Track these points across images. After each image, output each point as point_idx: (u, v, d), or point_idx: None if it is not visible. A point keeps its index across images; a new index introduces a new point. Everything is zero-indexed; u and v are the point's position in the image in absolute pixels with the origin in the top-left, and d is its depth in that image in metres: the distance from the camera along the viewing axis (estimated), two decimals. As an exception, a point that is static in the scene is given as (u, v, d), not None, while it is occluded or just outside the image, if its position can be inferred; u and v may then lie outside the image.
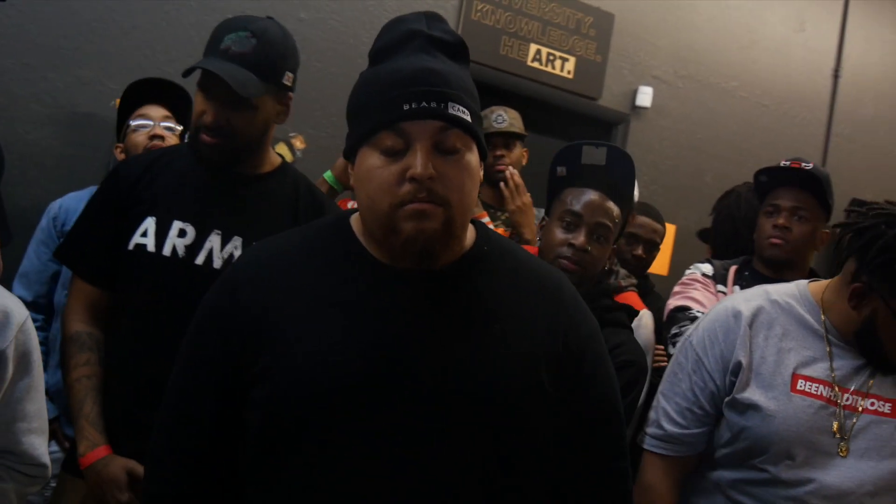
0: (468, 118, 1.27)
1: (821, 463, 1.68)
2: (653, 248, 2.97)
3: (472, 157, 1.30)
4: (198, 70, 1.87)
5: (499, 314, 1.35)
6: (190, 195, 1.96)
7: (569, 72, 3.87)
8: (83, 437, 1.87)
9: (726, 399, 1.77)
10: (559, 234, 1.95)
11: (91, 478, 1.88)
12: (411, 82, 1.26)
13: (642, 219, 2.94)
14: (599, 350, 1.39)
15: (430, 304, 1.32)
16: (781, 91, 4.96)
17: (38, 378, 1.70)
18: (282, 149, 3.10)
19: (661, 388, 1.87)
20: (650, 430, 1.85)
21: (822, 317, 1.78)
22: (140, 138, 2.41)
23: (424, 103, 1.25)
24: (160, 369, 1.69)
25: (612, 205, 1.98)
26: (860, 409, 1.71)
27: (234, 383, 1.32)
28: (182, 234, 1.93)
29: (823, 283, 1.83)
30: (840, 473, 1.67)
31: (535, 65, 3.79)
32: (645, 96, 4.23)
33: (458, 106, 1.27)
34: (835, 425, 1.69)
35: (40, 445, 1.70)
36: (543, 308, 1.38)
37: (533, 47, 3.75)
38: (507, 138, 2.89)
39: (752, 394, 1.74)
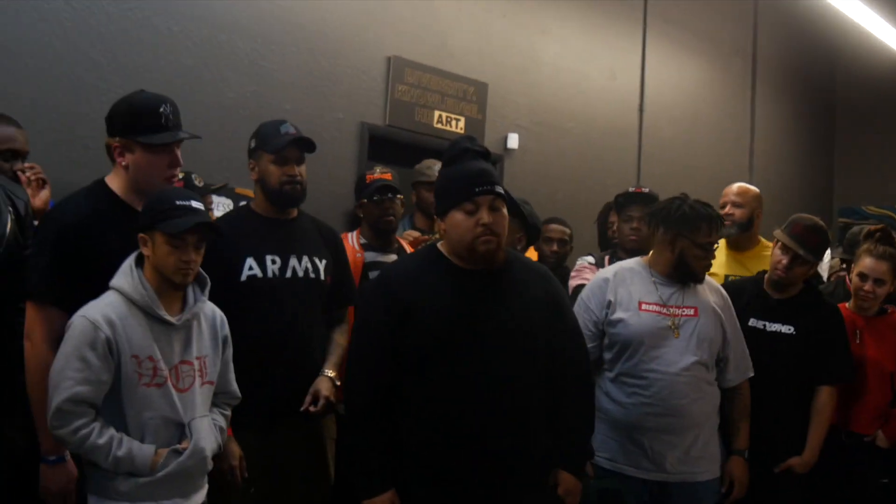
0: (503, 192, 2.28)
1: (662, 344, 2.79)
2: (564, 244, 4.28)
3: (505, 211, 2.29)
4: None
5: (524, 288, 2.33)
6: (269, 236, 2.80)
7: (461, 128, 5.06)
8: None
9: (604, 321, 2.86)
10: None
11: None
12: (478, 176, 2.24)
13: (553, 226, 4.23)
14: (567, 302, 2.54)
15: (493, 287, 2.29)
16: (603, 126, 6.16)
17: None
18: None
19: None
20: None
21: (650, 269, 2.94)
22: None
23: (486, 187, 2.23)
24: (285, 346, 2.73)
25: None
26: (680, 314, 2.86)
27: (395, 332, 2.24)
28: (274, 262, 2.76)
29: (647, 256, 3.00)
30: (674, 348, 2.81)
31: (439, 126, 4.95)
32: (513, 141, 5.39)
33: (499, 187, 2.25)
34: (670, 322, 2.84)
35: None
36: (541, 282, 2.39)
37: (436, 113, 4.94)
38: None
39: (619, 315, 2.83)
